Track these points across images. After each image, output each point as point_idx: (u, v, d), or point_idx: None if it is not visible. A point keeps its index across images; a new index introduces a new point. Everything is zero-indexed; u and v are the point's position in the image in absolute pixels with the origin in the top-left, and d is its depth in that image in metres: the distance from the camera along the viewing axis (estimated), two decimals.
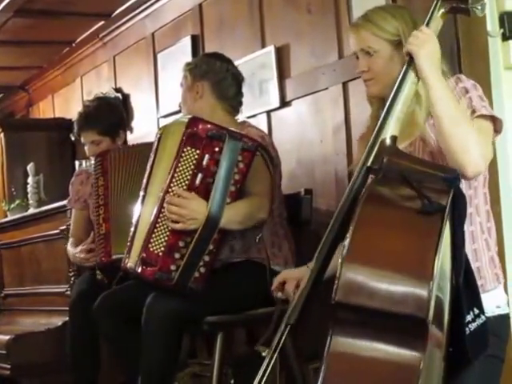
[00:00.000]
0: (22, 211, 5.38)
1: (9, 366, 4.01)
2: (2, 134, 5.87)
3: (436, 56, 1.92)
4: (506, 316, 2.01)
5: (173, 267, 2.65)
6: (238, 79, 3.06)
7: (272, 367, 1.94)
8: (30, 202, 5.66)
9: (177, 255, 2.66)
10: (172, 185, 2.69)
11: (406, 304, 1.57)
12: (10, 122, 6.51)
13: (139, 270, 2.69)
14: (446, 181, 1.76)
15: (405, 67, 1.94)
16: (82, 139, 3.63)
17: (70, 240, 3.69)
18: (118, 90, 5.16)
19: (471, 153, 1.86)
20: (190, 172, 2.68)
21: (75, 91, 5.88)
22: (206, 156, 2.67)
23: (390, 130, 1.89)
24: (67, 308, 3.58)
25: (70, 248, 3.64)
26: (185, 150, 2.69)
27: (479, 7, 1.94)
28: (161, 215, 2.69)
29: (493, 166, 2.54)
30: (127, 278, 3.13)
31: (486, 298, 1.93)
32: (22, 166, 5.77)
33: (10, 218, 5.35)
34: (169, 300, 2.73)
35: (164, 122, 4.54)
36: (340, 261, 1.62)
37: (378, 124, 1.91)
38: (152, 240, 2.68)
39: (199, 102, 3.01)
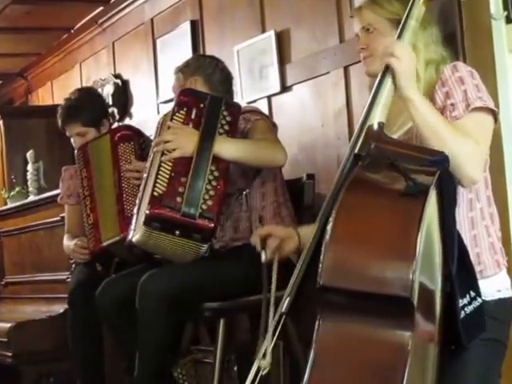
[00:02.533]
0: (22, 199, 5.37)
1: (10, 354, 4.02)
2: (1, 122, 5.85)
3: (413, 72, 1.90)
4: (508, 299, 2.00)
5: (178, 199, 2.66)
6: (227, 75, 3.15)
7: (275, 352, 1.92)
8: (30, 189, 5.65)
9: (180, 189, 2.68)
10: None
11: (390, 285, 1.57)
12: (9, 110, 6.49)
13: (148, 212, 2.67)
14: (434, 163, 1.75)
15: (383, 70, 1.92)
16: (68, 132, 3.64)
17: (66, 235, 3.68)
18: (117, 76, 5.14)
19: (462, 167, 1.85)
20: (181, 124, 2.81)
21: (74, 78, 5.86)
22: (194, 110, 2.81)
23: (377, 116, 1.88)
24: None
25: (65, 242, 3.64)
26: (174, 117, 2.83)
27: None
28: (160, 168, 2.72)
29: (498, 151, 2.53)
30: (125, 264, 3.15)
31: (485, 283, 1.93)
32: (21, 153, 5.76)
33: (10, 205, 5.34)
34: (163, 276, 2.76)
35: (164, 107, 4.53)
36: (323, 245, 1.63)
37: (364, 111, 1.90)
38: (156, 188, 2.70)
39: None
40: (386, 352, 1.59)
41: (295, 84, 3.57)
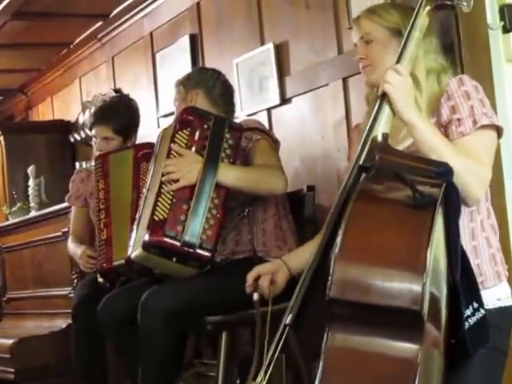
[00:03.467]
0: (24, 214, 5.39)
1: (13, 370, 4.02)
2: (2, 138, 5.88)
3: (411, 96, 1.90)
4: (508, 308, 1.99)
5: (179, 227, 2.66)
6: (229, 88, 3.15)
7: (278, 366, 1.92)
8: (32, 204, 5.67)
9: (182, 217, 2.68)
10: (171, 155, 2.78)
11: (400, 298, 1.57)
12: (9, 126, 6.53)
13: (148, 239, 2.67)
14: (439, 175, 1.75)
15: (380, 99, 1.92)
16: (94, 132, 3.60)
17: (70, 237, 3.69)
18: (117, 90, 5.15)
19: (467, 188, 1.86)
20: (184, 147, 2.77)
21: (74, 93, 5.88)
22: (197, 131, 2.79)
23: (382, 127, 1.88)
24: (70, 310, 3.58)
25: (70, 244, 3.64)
26: (177, 135, 2.80)
27: (465, 3, 1.93)
28: (162, 189, 2.72)
29: (497, 161, 2.52)
30: (129, 281, 3.13)
31: (486, 294, 1.92)
32: (22, 168, 5.78)
33: (11, 221, 5.35)
34: (164, 294, 2.75)
35: (164, 121, 4.54)
36: (333, 257, 1.63)
37: (369, 122, 1.90)
38: (156, 212, 2.69)
39: None
40: (396, 365, 1.59)
41: (295, 96, 3.58)
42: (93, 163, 3.53)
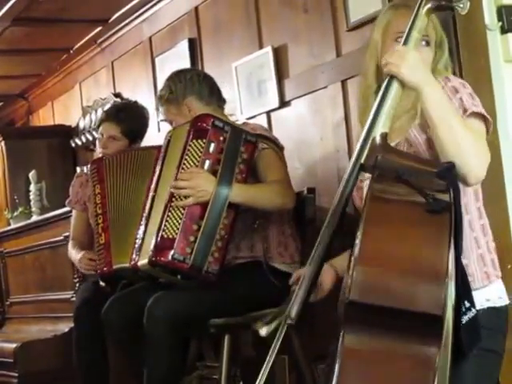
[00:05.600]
0: (25, 219, 5.40)
1: (16, 375, 4.03)
2: (3, 143, 5.88)
3: (421, 67, 1.89)
4: (499, 309, 1.97)
5: (188, 249, 2.67)
6: (212, 81, 3.11)
7: (281, 367, 1.93)
8: (33, 209, 5.68)
9: (191, 238, 2.68)
10: (182, 170, 2.75)
11: (422, 303, 1.58)
12: (10, 131, 6.53)
13: (154, 258, 2.69)
14: (440, 176, 1.76)
15: (387, 80, 1.92)
16: (101, 129, 3.60)
17: (71, 242, 3.71)
18: (117, 94, 5.16)
19: (472, 162, 1.84)
20: (198, 159, 2.74)
21: (74, 98, 5.89)
22: (213, 144, 2.74)
23: (381, 126, 1.89)
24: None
25: (70, 248, 3.66)
26: (191, 143, 2.76)
27: (461, 5, 1.94)
28: (172, 203, 2.71)
29: (496, 161, 2.53)
30: (131, 284, 3.15)
31: (473, 295, 1.89)
32: (23, 173, 5.79)
33: (13, 226, 5.36)
34: (169, 301, 2.76)
35: (164, 125, 4.55)
36: (353, 260, 1.62)
37: (369, 121, 1.91)
38: (165, 228, 2.69)
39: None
40: (415, 368, 1.59)
41: (294, 99, 3.59)
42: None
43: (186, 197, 2.71)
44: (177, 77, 3.11)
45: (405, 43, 1.93)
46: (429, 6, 1.95)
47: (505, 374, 2.02)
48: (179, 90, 3.03)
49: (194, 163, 2.75)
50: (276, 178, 2.86)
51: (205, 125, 2.76)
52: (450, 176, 1.77)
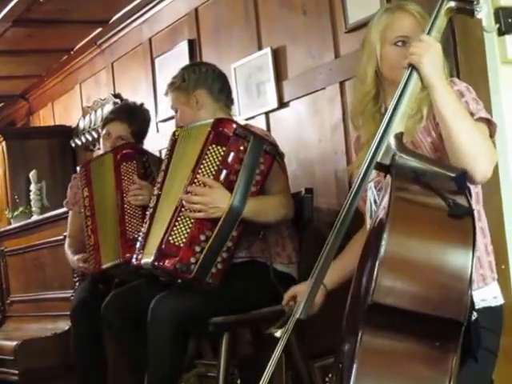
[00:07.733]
0: (26, 218, 5.42)
1: (17, 372, 4.05)
2: (4, 143, 5.90)
3: (439, 62, 1.90)
4: (494, 308, 1.99)
5: (192, 259, 2.65)
6: (225, 79, 3.11)
7: (278, 365, 1.95)
8: (33, 208, 5.70)
9: (197, 248, 2.66)
10: (196, 180, 2.72)
11: (445, 308, 1.58)
12: (11, 131, 6.55)
13: (157, 262, 2.69)
14: (456, 180, 1.77)
15: (409, 71, 1.92)
16: (109, 128, 3.60)
17: (67, 241, 3.73)
18: (116, 95, 5.18)
19: (480, 160, 1.85)
20: (216, 167, 2.70)
21: (74, 98, 5.91)
22: (232, 153, 2.70)
23: (396, 125, 1.89)
24: None
25: (67, 249, 3.68)
26: (210, 148, 2.72)
27: (478, 9, 1.96)
28: (183, 209, 2.70)
29: None
30: (123, 283, 3.18)
31: None
32: (24, 173, 5.81)
33: (13, 225, 5.38)
34: (172, 302, 2.76)
35: (163, 126, 4.57)
36: (377, 262, 1.62)
37: (386, 120, 1.90)
38: (173, 233, 2.69)
39: (201, 111, 3.02)
40: (432, 372, 1.60)
41: (292, 100, 3.60)
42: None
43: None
44: (192, 68, 3.12)
45: (433, 22, 1.91)
46: (450, 5, 1.94)
47: (499, 372, 2.04)
48: (192, 81, 3.02)
49: (211, 171, 2.71)
50: (280, 189, 2.86)
51: (226, 131, 2.72)
52: (465, 181, 1.79)
